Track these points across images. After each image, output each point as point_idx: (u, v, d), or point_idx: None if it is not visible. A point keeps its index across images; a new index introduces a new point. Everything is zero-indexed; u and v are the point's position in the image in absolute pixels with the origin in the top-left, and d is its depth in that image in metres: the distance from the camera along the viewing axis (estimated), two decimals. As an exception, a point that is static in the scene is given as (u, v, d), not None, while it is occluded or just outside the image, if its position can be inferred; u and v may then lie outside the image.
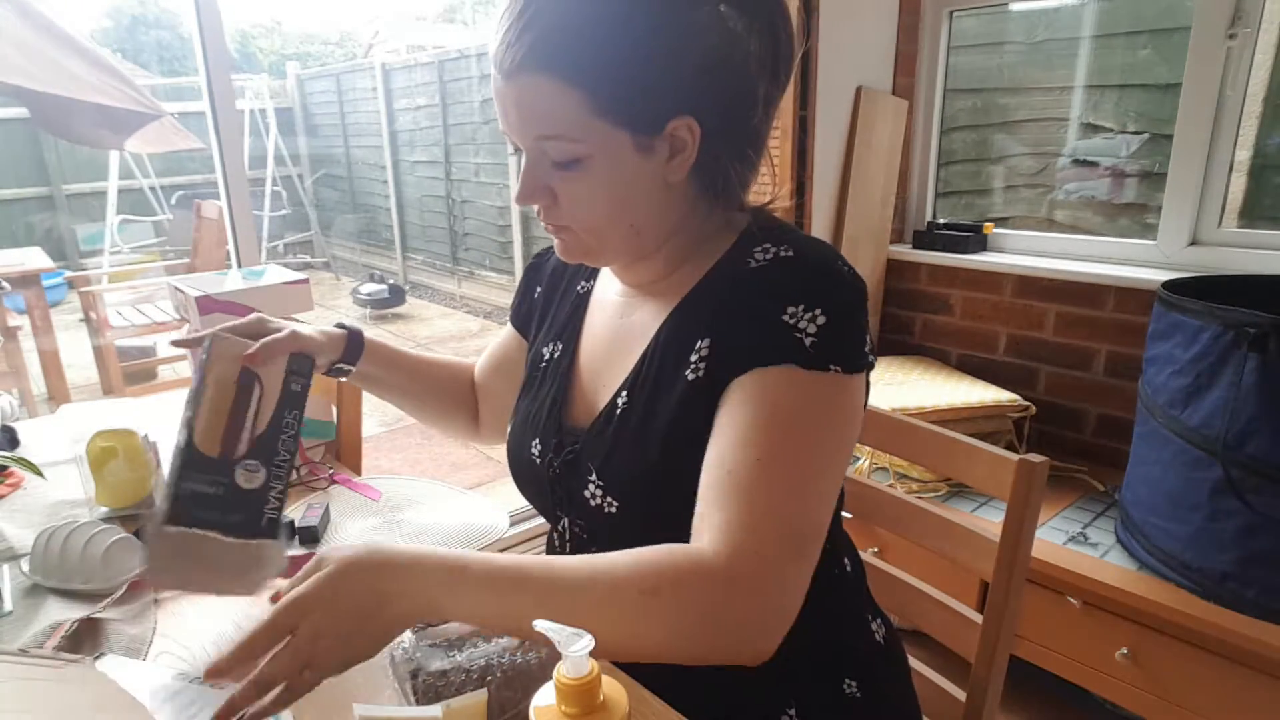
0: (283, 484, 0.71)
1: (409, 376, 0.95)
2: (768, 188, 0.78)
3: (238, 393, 0.72)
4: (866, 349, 0.67)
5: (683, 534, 0.64)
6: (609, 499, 0.72)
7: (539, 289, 0.93)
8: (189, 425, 0.70)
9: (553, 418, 0.79)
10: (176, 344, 0.81)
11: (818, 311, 0.63)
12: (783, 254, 0.68)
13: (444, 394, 0.99)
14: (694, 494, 0.65)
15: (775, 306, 0.64)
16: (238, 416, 0.72)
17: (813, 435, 0.63)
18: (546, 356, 0.85)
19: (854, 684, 0.76)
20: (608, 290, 0.83)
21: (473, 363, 1.03)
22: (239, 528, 0.68)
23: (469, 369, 1.03)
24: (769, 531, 0.59)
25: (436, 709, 0.54)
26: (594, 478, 0.73)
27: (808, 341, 0.63)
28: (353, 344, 0.87)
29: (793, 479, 0.62)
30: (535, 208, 0.71)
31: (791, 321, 0.63)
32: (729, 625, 0.58)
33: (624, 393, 0.73)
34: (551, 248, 0.90)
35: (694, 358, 0.69)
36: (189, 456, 0.69)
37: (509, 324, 0.98)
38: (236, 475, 0.70)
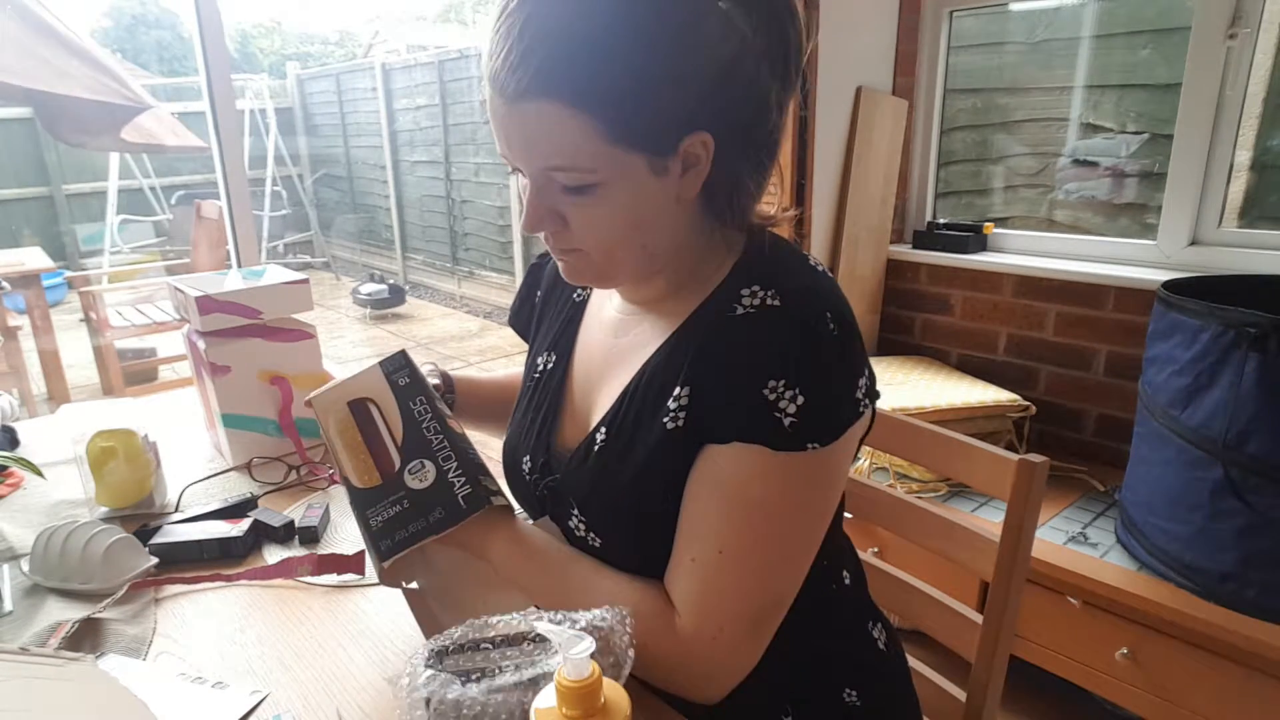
0: (455, 461, 0.72)
1: (490, 399, 0.99)
2: (771, 197, 0.75)
3: (360, 423, 0.76)
4: (859, 395, 0.64)
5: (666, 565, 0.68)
6: (592, 534, 0.72)
7: (539, 292, 0.92)
8: (344, 478, 0.74)
9: (542, 437, 0.78)
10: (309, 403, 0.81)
11: (797, 391, 0.61)
12: (769, 301, 0.65)
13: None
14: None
15: (757, 378, 0.61)
16: (374, 439, 0.75)
17: (780, 522, 0.64)
18: (540, 368, 0.84)
19: (854, 693, 0.76)
20: (604, 304, 0.81)
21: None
22: (445, 520, 0.70)
23: None
24: (728, 616, 0.64)
25: None
26: (576, 512, 0.72)
27: (787, 422, 0.61)
28: (444, 381, 0.93)
29: (756, 566, 0.64)
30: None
31: (772, 398, 0.61)
32: (680, 684, 0.66)
33: (603, 429, 0.72)
34: None
35: (673, 404, 0.66)
36: (359, 498, 0.72)
37: (510, 327, 0.97)
38: (409, 483, 0.72)
